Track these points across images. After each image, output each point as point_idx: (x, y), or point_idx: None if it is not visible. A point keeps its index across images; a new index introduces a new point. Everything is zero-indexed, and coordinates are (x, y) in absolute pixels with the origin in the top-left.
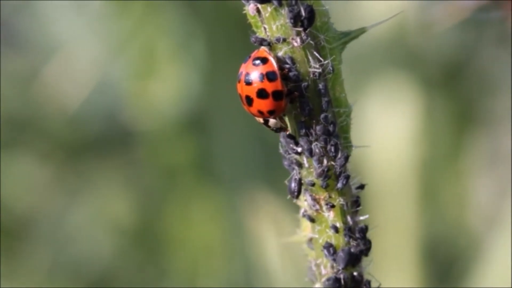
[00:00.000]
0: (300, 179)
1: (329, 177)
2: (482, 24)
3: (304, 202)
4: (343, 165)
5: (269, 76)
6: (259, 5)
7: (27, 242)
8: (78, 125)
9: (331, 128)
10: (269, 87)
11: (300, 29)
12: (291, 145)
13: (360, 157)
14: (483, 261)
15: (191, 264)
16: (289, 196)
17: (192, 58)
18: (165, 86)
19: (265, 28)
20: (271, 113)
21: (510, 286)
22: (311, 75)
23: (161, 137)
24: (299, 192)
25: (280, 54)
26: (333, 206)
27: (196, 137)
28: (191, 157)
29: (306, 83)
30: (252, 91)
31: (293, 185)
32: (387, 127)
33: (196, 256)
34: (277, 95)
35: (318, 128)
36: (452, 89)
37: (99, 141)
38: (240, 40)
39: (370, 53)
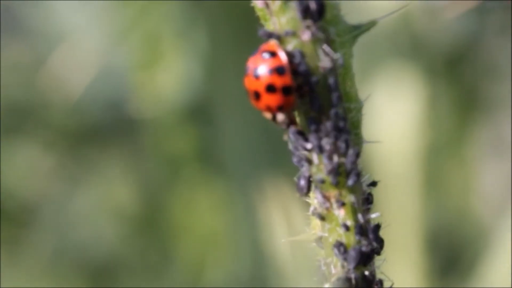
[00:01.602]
0: (309, 176)
1: (339, 174)
2: (486, 12)
3: (314, 200)
4: (354, 162)
5: (278, 71)
6: None
7: (30, 229)
8: (81, 114)
9: (341, 124)
10: (278, 81)
11: (310, 22)
12: (300, 142)
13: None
14: (490, 251)
15: (195, 253)
16: (297, 194)
17: (195, 46)
18: (168, 75)
19: (273, 22)
20: (280, 108)
21: None
22: (321, 70)
23: (164, 125)
24: (308, 189)
25: (289, 48)
26: (343, 204)
27: (200, 125)
28: (195, 145)
29: (316, 78)
30: (260, 86)
31: (302, 182)
32: (390, 116)
33: (200, 245)
34: (286, 90)
35: (328, 124)
36: (456, 77)
37: (102, 130)
38: (243, 28)
39: (374, 42)
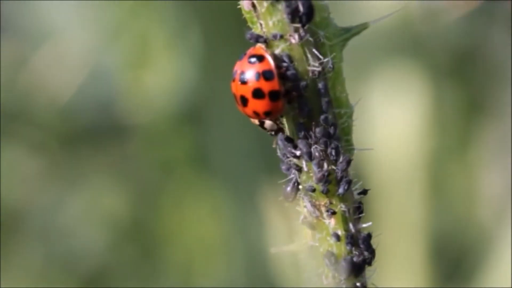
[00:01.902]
0: (296, 183)
1: (329, 182)
2: (492, 12)
3: (304, 208)
4: (345, 170)
5: (266, 75)
6: (254, 0)
7: (19, 236)
8: (70, 116)
9: (331, 130)
10: (266, 86)
11: (298, 25)
12: (289, 149)
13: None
14: (494, 256)
15: (187, 260)
16: (282, 199)
17: (188, 47)
18: (160, 77)
19: (261, 24)
20: (268, 114)
21: None
22: (310, 74)
23: (156, 129)
24: (294, 197)
25: (277, 51)
26: (334, 213)
27: (193, 129)
28: (187, 150)
29: (304, 83)
30: (247, 91)
31: (288, 189)
32: (393, 118)
33: (192, 252)
34: (274, 95)
35: (317, 130)
36: (461, 78)
37: (92, 133)
38: (237, 29)
39: (376, 42)
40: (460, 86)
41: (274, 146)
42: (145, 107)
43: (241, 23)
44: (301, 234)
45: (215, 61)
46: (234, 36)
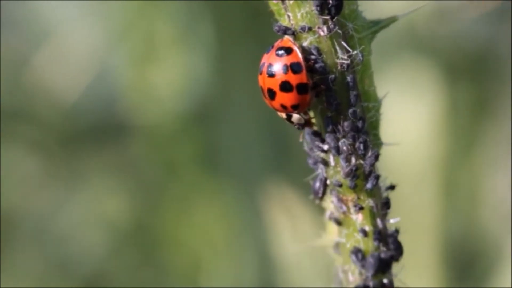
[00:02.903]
0: (325, 179)
1: (357, 177)
2: (506, 13)
3: (330, 203)
4: (373, 164)
5: (294, 68)
6: None
7: (17, 238)
8: (73, 116)
9: (360, 124)
10: (294, 79)
11: (327, 17)
12: (316, 143)
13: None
14: (505, 259)
15: (193, 263)
16: (312, 197)
17: (199, 44)
18: (168, 75)
19: (289, 16)
20: (295, 107)
21: None
22: (339, 67)
23: (162, 129)
24: (324, 192)
25: (305, 44)
26: (361, 208)
27: (200, 129)
28: (194, 150)
29: (333, 76)
30: (275, 84)
31: (317, 184)
32: (406, 118)
33: (197, 256)
34: (302, 88)
35: (346, 124)
36: (474, 79)
37: (95, 133)
38: (250, 24)
39: (390, 40)
40: (473, 87)
41: (301, 140)
42: (152, 107)
43: (254, 18)
44: (327, 230)
45: (227, 58)
46: (246, 32)
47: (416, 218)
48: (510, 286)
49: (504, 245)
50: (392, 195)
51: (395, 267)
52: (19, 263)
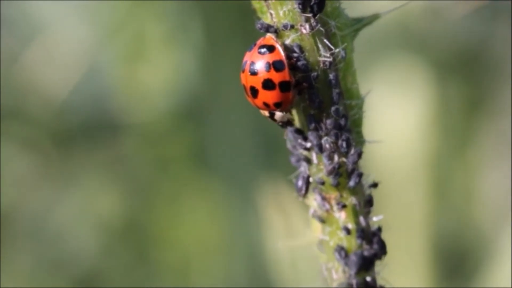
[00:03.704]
0: (308, 177)
1: (340, 174)
2: (496, 10)
3: (314, 201)
4: (356, 162)
5: (276, 66)
6: None
7: (10, 237)
8: (64, 114)
9: (342, 121)
10: (276, 77)
11: (309, 15)
12: (299, 140)
13: (366, 148)
14: (495, 256)
15: (184, 261)
16: (296, 195)
17: (188, 43)
18: (158, 73)
19: (271, 14)
20: (278, 105)
21: None
22: (321, 65)
23: (153, 127)
24: (306, 190)
25: (287, 42)
26: (344, 206)
27: (190, 127)
28: (185, 148)
29: (315, 73)
30: (257, 82)
31: (300, 182)
32: (396, 115)
33: (189, 254)
34: (284, 86)
35: (328, 121)
36: (464, 76)
37: (86, 131)
38: (240, 23)
39: (379, 37)
40: (463, 84)
41: (285, 137)
42: (142, 105)
43: (243, 17)
44: (311, 227)
45: (216, 56)
46: (236, 30)
47: (406, 216)
48: (500, 286)
49: (494, 243)
50: (382, 193)
51: (379, 265)
52: (12, 261)
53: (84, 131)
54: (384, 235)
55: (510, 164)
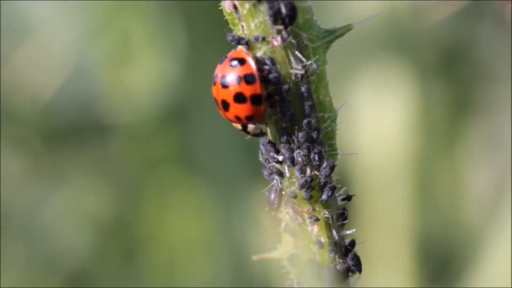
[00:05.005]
0: (280, 190)
1: (312, 188)
2: (479, 10)
3: (286, 215)
4: (328, 175)
5: (247, 79)
6: (236, 1)
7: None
8: (51, 114)
9: (314, 134)
10: (247, 90)
11: (281, 27)
12: (271, 153)
13: (352, 149)
14: (481, 256)
15: (170, 260)
16: (267, 208)
17: (171, 44)
18: (142, 74)
19: (242, 26)
20: (250, 118)
21: (510, 285)
22: (293, 77)
23: (139, 127)
24: (279, 204)
25: (259, 54)
26: (317, 220)
27: (176, 128)
28: (171, 148)
29: (287, 86)
30: (228, 95)
31: (272, 196)
32: (380, 117)
33: (176, 252)
34: (256, 99)
35: (300, 134)
36: (448, 76)
37: (74, 131)
38: (222, 26)
39: (362, 40)
40: (447, 84)
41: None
42: (128, 105)
43: (225, 21)
44: (283, 241)
45: (199, 59)
46: (218, 33)
47: (392, 216)
48: (486, 286)
49: (480, 243)
50: (368, 194)
51: (353, 278)
52: (4, 256)
53: (72, 131)
54: (369, 234)
55: (494, 164)
